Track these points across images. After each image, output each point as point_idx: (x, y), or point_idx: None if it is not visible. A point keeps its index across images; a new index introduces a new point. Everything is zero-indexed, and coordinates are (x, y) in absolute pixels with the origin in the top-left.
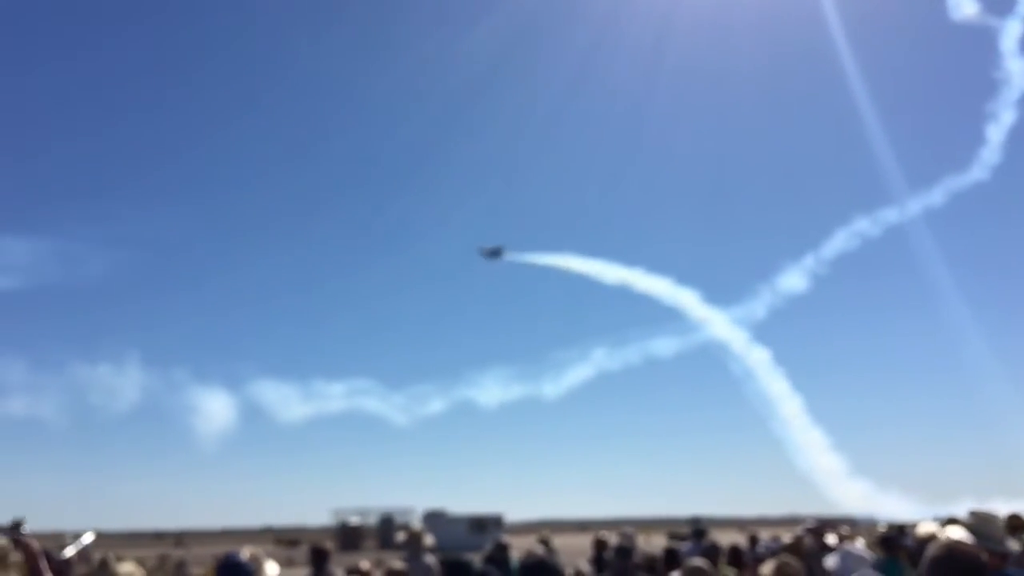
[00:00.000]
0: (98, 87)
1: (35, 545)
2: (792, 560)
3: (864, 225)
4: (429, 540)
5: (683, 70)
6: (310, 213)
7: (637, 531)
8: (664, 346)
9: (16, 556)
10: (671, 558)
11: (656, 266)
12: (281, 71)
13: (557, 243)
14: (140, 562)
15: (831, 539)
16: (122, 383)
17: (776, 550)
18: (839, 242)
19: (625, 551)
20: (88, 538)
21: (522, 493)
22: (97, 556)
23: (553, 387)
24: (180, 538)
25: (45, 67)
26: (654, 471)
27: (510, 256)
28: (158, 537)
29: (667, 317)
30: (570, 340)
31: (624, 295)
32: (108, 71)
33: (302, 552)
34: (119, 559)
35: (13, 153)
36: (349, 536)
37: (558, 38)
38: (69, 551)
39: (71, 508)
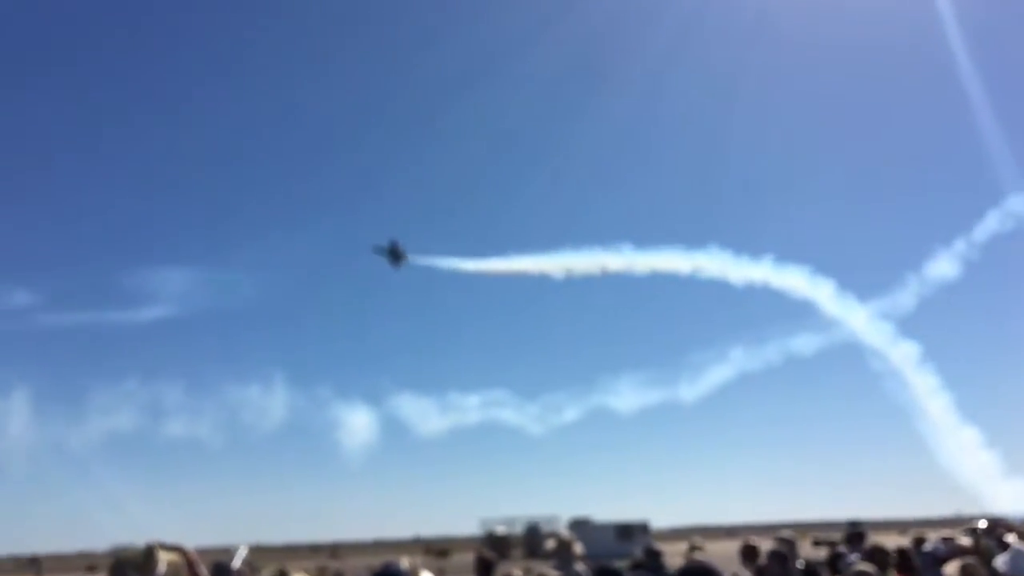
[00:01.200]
0: (245, 123)
1: (191, 551)
2: (974, 561)
3: (1019, 204)
4: (579, 548)
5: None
6: (440, 231)
7: (797, 535)
8: (805, 343)
9: (170, 556)
10: (835, 563)
11: (792, 257)
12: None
13: (693, 236)
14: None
15: (1011, 539)
16: (271, 402)
17: (945, 553)
18: (993, 224)
19: (781, 556)
20: (244, 551)
21: (666, 499)
22: (273, 566)
23: (691, 390)
24: (335, 550)
25: (194, 107)
26: (799, 473)
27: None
28: (314, 550)
29: (805, 313)
30: (706, 341)
31: (760, 291)
32: (257, 108)
33: (452, 562)
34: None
35: (168, 190)
36: (497, 545)
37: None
38: (236, 562)
39: (229, 522)
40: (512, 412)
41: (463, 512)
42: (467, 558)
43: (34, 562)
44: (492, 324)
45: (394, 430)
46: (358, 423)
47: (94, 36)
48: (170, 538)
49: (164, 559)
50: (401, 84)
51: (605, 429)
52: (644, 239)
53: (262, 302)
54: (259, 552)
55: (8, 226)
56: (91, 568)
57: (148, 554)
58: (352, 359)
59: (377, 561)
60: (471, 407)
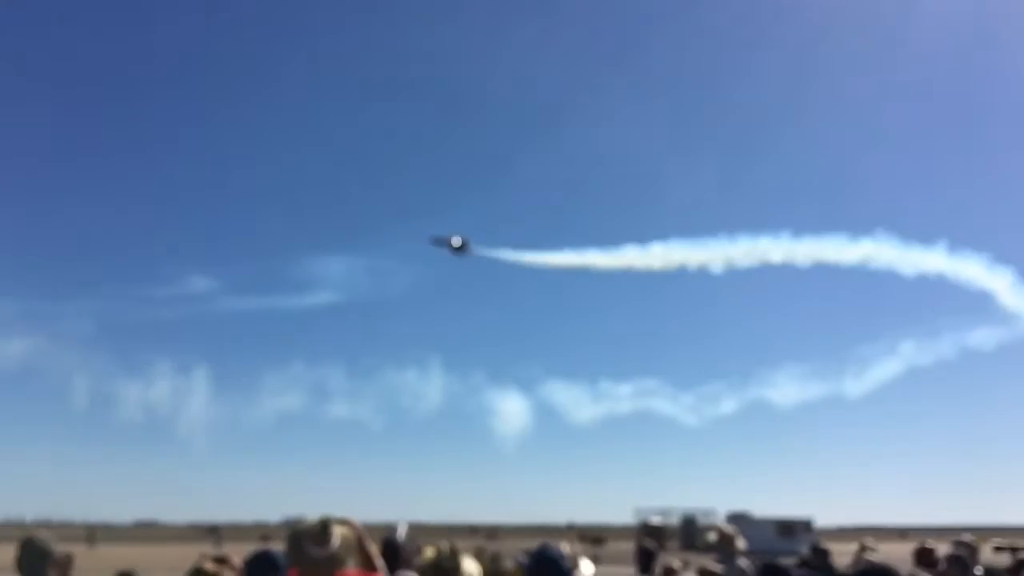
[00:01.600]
0: (399, 124)
1: (359, 525)
2: None
3: None
4: (741, 543)
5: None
6: (589, 226)
7: (978, 540)
8: (982, 337)
9: (342, 530)
10: (1018, 570)
11: (967, 245)
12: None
13: (857, 222)
14: None
15: None
16: (427, 387)
17: None
18: None
19: (960, 561)
20: (404, 527)
21: (828, 496)
22: (444, 544)
23: (856, 384)
24: (493, 531)
25: (360, 110)
26: (976, 474)
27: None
28: (472, 530)
29: (981, 305)
30: (873, 333)
31: (932, 281)
32: (410, 109)
33: (607, 550)
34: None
35: (331, 183)
36: (652, 536)
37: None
38: (399, 537)
39: (389, 500)
40: (666, 402)
41: (617, 501)
42: (621, 547)
43: (213, 531)
44: (643, 314)
45: (547, 417)
46: (511, 409)
47: (290, 42)
48: (334, 512)
49: (338, 532)
50: (530, 79)
51: (763, 422)
52: (804, 225)
53: (418, 289)
54: (419, 530)
55: (192, 218)
56: (265, 538)
57: (323, 527)
58: (504, 346)
59: (534, 544)
60: (623, 396)
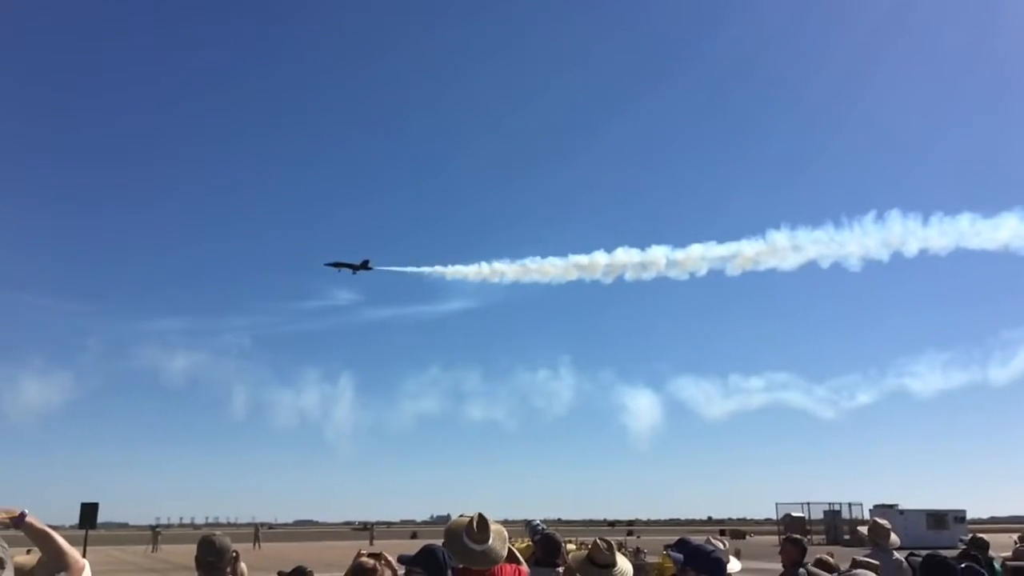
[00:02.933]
0: (522, 137)
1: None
2: None
3: None
4: (894, 537)
5: None
6: (711, 221)
7: None
8: None
9: (495, 526)
10: None
11: None
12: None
13: (991, 201)
14: None
15: None
16: (558, 386)
17: None
18: None
19: None
20: (538, 522)
21: (976, 487)
22: (601, 540)
23: (1002, 371)
24: (632, 526)
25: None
26: None
27: None
28: (611, 525)
29: None
30: (1018, 317)
31: None
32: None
33: (747, 544)
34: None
35: (461, 196)
36: (794, 529)
37: None
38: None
39: (527, 498)
40: (799, 395)
41: (755, 495)
42: (763, 540)
43: (366, 528)
44: (771, 309)
45: (678, 413)
46: (642, 406)
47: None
48: (476, 510)
49: (494, 528)
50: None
51: (903, 413)
52: (934, 207)
53: (548, 293)
54: (559, 525)
55: (335, 236)
56: (414, 535)
57: (481, 523)
58: (632, 344)
59: (672, 539)
60: (755, 390)
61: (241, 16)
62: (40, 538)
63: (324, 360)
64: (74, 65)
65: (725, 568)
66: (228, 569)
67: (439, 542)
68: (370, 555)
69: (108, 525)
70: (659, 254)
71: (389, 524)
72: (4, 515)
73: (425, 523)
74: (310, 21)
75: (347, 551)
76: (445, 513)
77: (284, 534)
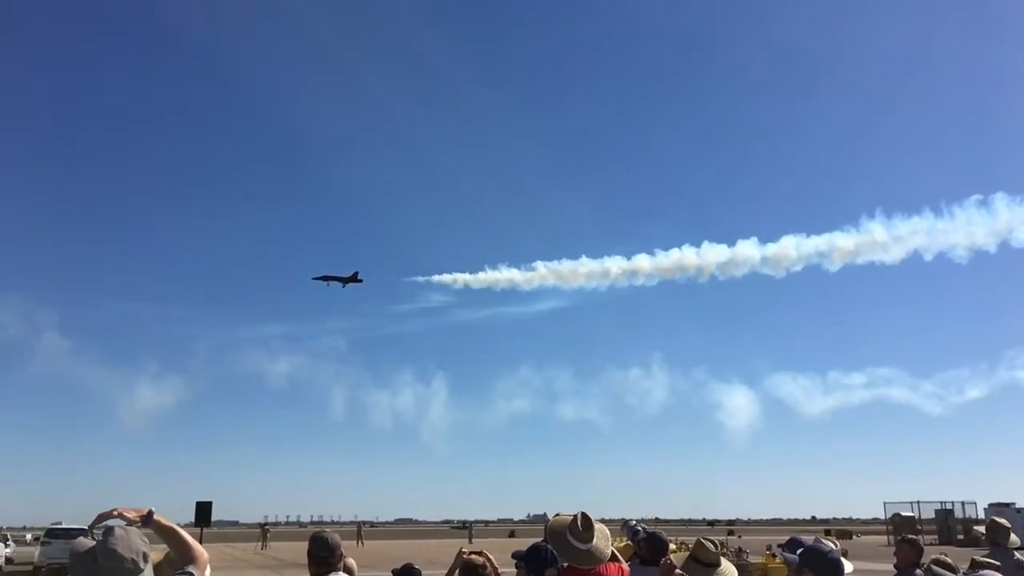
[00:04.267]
0: (612, 139)
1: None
2: None
3: None
4: (1014, 537)
5: None
6: (800, 211)
7: None
8: None
9: (601, 525)
10: None
11: None
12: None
13: None
14: None
15: None
16: (651, 384)
17: None
18: None
19: None
20: (634, 523)
21: None
22: (706, 540)
23: None
24: (732, 525)
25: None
26: None
27: None
28: (710, 524)
29: None
30: None
31: None
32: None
33: (855, 545)
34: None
35: (548, 197)
36: (904, 529)
37: None
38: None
39: (623, 497)
40: (904, 390)
41: (861, 493)
42: (870, 540)
43: (465, 526)
44: (871, 303)
45: (776, 410)
46: (738, 403)
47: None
48: (571, 509)
49: (598, 527)
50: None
51: (1016, 407)
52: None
53: (636, 290)
54: (656, 525)
55: (427, 239)
56: (512, 534)
57: (585, 522)
58: (726, 341)
59: (775, 539)
60: (856, 386)
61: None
62: (167, 534)
63: (418, 361)
64: (217, 85)
65: (843, 570)
66: (340, 564)
67: (539, 540)
68: (472, 553)
69: (219, 523)
70: (749, 249)
71: (487, 523)
72: (134, 514)
73: (522, 522)
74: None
75: (446, 549)
76: (542, 512)
77: (385, 532)
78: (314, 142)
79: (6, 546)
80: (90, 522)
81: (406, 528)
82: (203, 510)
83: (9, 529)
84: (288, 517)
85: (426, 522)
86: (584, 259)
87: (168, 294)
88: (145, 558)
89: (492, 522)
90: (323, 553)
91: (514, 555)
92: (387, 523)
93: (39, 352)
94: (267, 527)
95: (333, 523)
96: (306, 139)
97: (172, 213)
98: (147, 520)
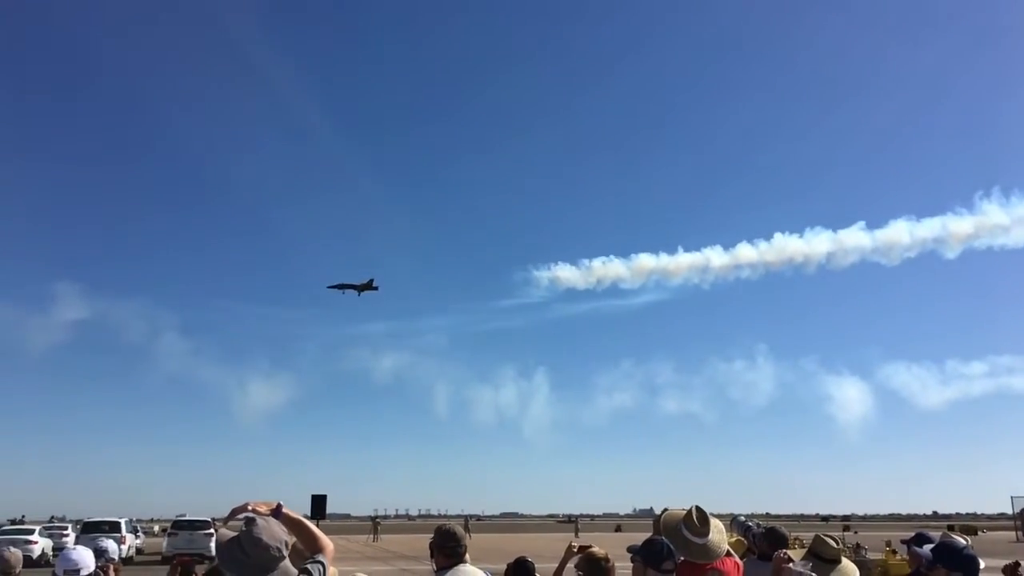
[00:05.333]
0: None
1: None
2: None
3: None
4: None
5: None
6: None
7: None
8: None
9: (716, 520)
10: None
11: None
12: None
13: None
14: None
15: None
16: (757, 376)
17: None
18: None
19: None
20: (742, 518)
21: None
22: (825, 535)
23: None
24: (847, 521)
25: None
26: None
27: None
28: (824, 520)
29: None
30: None
31: None
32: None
33: (980, 541)
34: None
35: (649, 187)
36: None
37: None
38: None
39: (728, 492)
40: None
41: (984, 488)
42: (997, 536)
43: (570, 521)
44: (987, 290)
45: (890, 402)
46: (849, 395)
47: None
48: (677, 504)
49: (714, 522)
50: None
51: None
52: None
53: (739, 280)
54: (767, 520)
55: (529, 233)
56: (618, 528)
57: (701, 516)
58: (835, 330)
59: (894, 535)
60: (976, 376)
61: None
62: (295, 526)
63: (519, 357)
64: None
65: (979, 566)
66: (466, 555)
67: (646, 534)
68: (580, 547)
69: (332, 516)
70: (857, 236)
71: (592, 517)
72: (265, 507)
73: (628, 516)
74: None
75: (552, 543)
76: (648, 507)
77: (491, 525)
78: (420, 148)
79: (136, 537)
80: (224, 516)
81: (511, 522)
82: (318, 503)
83: (138, 521)
84: (397, 510)
85: (530, 516)
86: (682, 252)
87: (279, 296)
88: (287, 546)
89: (597, 516)
90: (451, 544)
91: (630, 549)
92: (493, 517)
93: (162, 353)
94: (378, 520)
95: (440, 516)
96: (414, 145)
97: (279, 220)
98: (276, 513)
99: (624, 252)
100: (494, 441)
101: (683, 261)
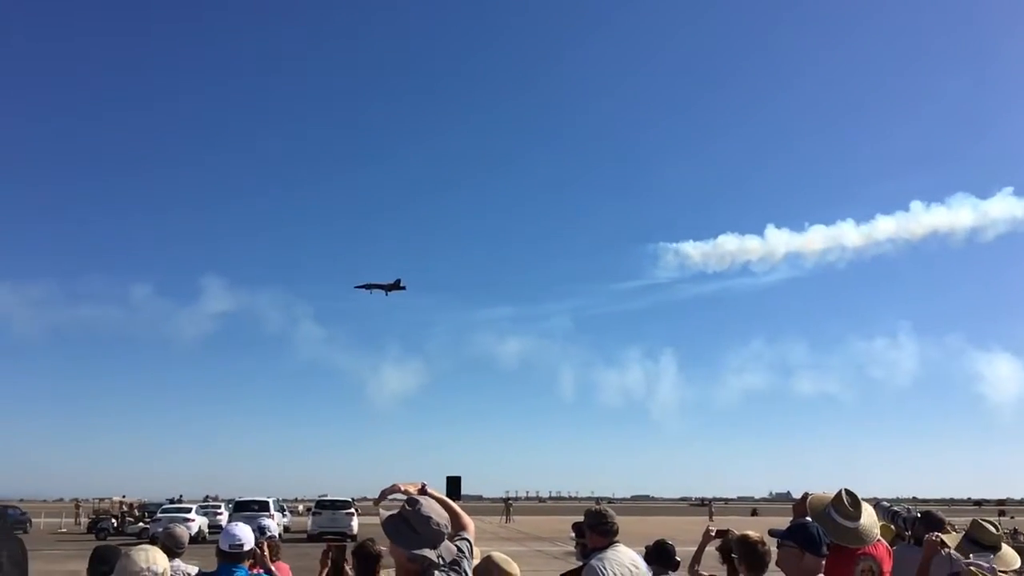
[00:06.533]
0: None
1: None
2: None
3: None
4: None
5: None
6: None
7: None
8: None
9: (867, 505)
10: None
11: None
12: None
13: None
14: None
15: None
16: (898, 355)
17: None
18: None
19: None
20: (885, 504)
21: None
22: (985, 520)
23: None
24: (1002, 504)
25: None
26: None
27: None
28: (977, 504)
29: None
30: None
31: None
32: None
33: None
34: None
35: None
36: None
37: None
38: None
39: (870, 475)
40: None
41: None
42: None
43: (704, 504)
44: None
45: None
46: (1002, 373)
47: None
48: (818, 488)
49: (864, 506)
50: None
51: None
52: None
53: (872, 257)
54: (913, 504)
55: (650, 209)
56: (754, 512)
57: (853, 500)
58: (982, 304)
59: None
60: None
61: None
62: (441, 505)
63: (645, 338)
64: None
65: None
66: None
67: (784, 519)
68: (718, 531)
69: (465, 498)
70: (1007, 203)
71: (726, 500)
72: (413, 488)
73: (764, 500)
74: None
75: (685, 525)
76: (784, 490)
77: (622, 508)
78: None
79: (284, 516)
80: (374, 497)
81: (642, 505)
82: (453, 484)
83: (284, 501)
84: (527, 493)
85: (662, 499)
86: (817, 226)
87: (407, 282)
88: (448, 524)
89: (731, 500)
90: (605, 524)
91: (774, 533)
92: (623, 500)
93: (299, 341)
94: (510, 501)
95: (571, 499)
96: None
97: (409, 215)
98: (422, 493)
99: (752, 228)
100: (621, 423)
101: (815, 236)
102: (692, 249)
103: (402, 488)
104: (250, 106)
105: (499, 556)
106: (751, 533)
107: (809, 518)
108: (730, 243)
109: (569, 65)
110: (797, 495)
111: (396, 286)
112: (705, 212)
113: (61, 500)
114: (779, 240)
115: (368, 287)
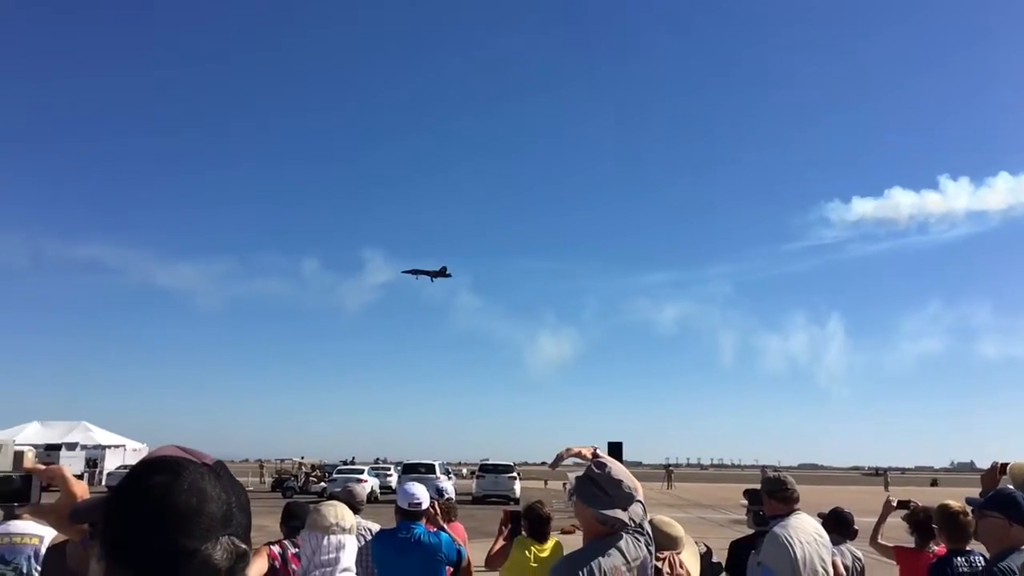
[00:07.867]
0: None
1: None
2: None
3: None
4: None
5: None
6: None
7: None
8: None
9: None
10: None
11: None
12: None
13: None
14: None
15: None
16: None
17: None
18: None
19: None
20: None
21: None
22: None
23: None
24: None
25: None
26: None
27: None
28: None
29: None
30: None
31: None
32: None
33: None
34: None
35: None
36: None
37: None
38: None
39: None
40: None
41: None
42: None
43: (878, 474)
44: None
45: None
46: None
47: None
48: (1011, 457)
49: None
50: None
51: None
52: None
53: None
54: None
55: (823, 168)
56: (934, 483)
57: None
58: None
59: None
60: None
61: None
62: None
63: (810, 302)
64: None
65: None
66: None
67: (968, 490)
68: (900, 502)
69: (625, 463)
70: None
71: (903, 470)
72: (587, 451)
73: (944, 470)
74: None
75: (858, 495)
76: (967, 460)
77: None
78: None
79: (449, 479)
80: (551, 461)
81: (811, 474)
82: (615, 450)
83: (448, 464)
84: (688, 459)
85: (831, 468)
86: (1004, 175)
87: (557, 253)
88: (637, 488)
89: (908, 470)
90: (785, 491)
91: (970, 501)
92: (790, 468)
93: (457, 310)
94: (671, 468)
95: (733, 467)
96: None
97: (577, 188)
98: (594, 457)
99: (926, 183)
100: (785, 390)
101: (1001, 186)
102: (863, 206)
103: (575, 451)
104: (403, 101)
105: (660, 519)
106: (951, 503)
107: (1011, 487)
108: (902, 197)
109: (734, 16)
110: (982, 465)
111: (442, 273)
112: (872, 164)
113: (247, 460)
114: (958, 192)
115: (415, 272)
